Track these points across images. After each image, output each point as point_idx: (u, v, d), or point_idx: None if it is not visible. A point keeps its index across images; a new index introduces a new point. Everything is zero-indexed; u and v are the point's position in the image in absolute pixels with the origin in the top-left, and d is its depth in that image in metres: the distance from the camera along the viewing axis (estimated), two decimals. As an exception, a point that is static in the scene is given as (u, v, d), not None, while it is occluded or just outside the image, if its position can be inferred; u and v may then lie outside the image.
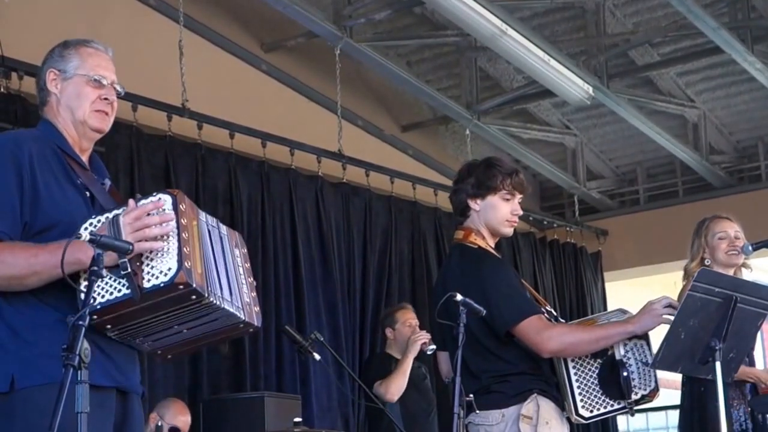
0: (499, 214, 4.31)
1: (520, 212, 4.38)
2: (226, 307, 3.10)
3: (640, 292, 11.93)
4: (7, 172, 3.13)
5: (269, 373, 7.66)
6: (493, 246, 4.36)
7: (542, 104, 10.10)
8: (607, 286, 11.11)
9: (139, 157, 7.24)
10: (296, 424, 6.33)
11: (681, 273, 5.57)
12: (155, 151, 7.40)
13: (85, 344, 2.70)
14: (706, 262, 5.37)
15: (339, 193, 8.65)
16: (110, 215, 3.03)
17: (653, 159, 10.96)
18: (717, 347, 4.36)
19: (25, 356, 3.05)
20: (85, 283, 2.95)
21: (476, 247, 4.29)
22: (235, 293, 3.16)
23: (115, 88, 3.37)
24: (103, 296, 2.99)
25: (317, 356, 5.90)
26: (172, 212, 3.03)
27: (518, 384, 4.17)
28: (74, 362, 2.67)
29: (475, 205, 4.32)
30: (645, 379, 4.15)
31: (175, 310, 3.04)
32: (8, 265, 3.04)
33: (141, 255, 2.99)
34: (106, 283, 2.99)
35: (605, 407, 4.15)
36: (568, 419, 4.25)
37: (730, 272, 5.31)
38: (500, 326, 4.17)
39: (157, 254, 2.99)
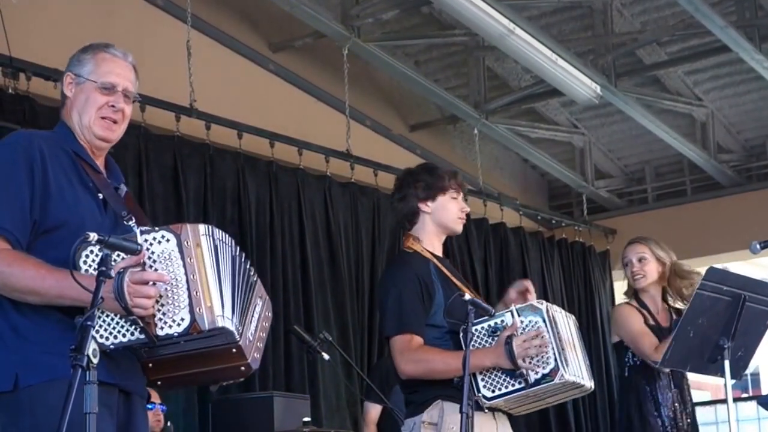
0: (450, 212, 4.44)
1: (468, 210, 4.51)
2: (227, 326, 3.04)
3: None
4: (19, 169, 3.13)
5: (278, 373, 7.66)
6: (436, 248, 4.45)
7: (550, 103, 10.09)
8: (616, 285, 11.08)
9: (147, 157, 7.25)
10: (305, 423, 6.32)
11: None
12: (163, 151, 7.41)
13: (93, 345, 2.70)
14: None
15: (347, 192, 8.65)
16: (121, 256, 2.98)
17: (661, 158, 10.95)
18: (726, 345, 4.37)
19: (27, 354, 3.06)
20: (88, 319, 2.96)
21: (411, 251, 4.38)
22: (238, 314, 3.11)
23: (127, 96, 3.36)
24: (116, 336, 2.99)
25: (326, 356, 5.90)
26: (178, 256, 3.00)
27: (425, 392, 4.20)
28: (82, 363, 2.67)
29: (426, 207, 4.42)
30: (542, 360, 4.06)
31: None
32: (16, 278, 3.04)
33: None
34: (117, 323, 3.00)
35: (506, 387, 4.11)
36: (509, 415, 4.26)
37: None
38: (382, 335, 4.33)
39: (167, 300, 2.99)
